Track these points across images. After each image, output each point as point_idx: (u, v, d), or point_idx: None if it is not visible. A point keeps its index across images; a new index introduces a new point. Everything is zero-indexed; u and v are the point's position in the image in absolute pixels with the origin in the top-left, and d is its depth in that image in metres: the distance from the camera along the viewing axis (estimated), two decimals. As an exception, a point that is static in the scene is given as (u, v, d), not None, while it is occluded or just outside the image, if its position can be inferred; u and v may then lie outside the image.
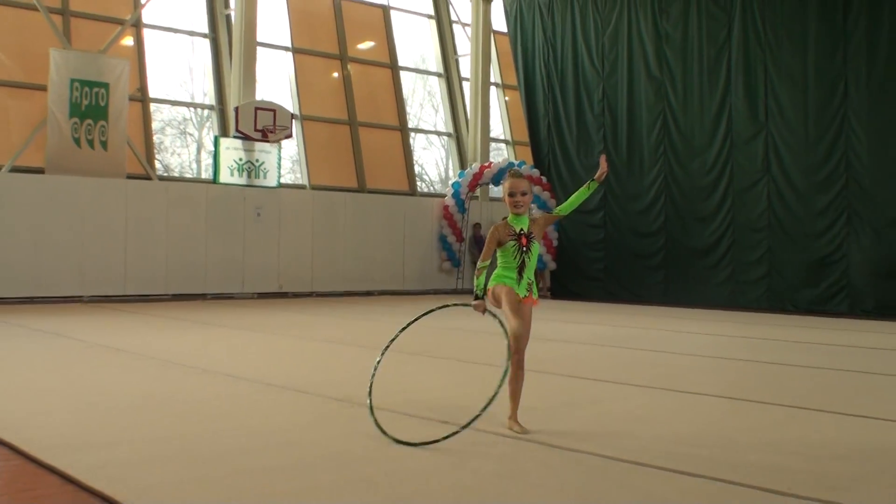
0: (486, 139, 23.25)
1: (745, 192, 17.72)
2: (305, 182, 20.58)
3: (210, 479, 4.24)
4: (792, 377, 8.13)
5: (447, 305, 5.88)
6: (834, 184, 16.49)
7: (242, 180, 18.76)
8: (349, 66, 21.95)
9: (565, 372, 8.02)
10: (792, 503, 3.94)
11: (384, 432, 5.07)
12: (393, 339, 5.44)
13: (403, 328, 5.46)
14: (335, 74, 21.93)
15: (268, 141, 18.84)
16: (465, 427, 5.02)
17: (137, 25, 18.83)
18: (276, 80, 20.76)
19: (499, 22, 23.37)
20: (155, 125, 19.22)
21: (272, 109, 18.86)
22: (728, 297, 17.83)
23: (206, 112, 20.19)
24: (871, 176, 16.06)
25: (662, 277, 19.09)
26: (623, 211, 19.77)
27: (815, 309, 16.40)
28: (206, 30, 19.99)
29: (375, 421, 5.14)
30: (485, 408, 5.02)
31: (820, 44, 16.72)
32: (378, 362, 5.34)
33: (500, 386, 5.08)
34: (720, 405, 6.53)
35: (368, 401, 5.26)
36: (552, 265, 21.07)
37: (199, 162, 20.12)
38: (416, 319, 5.51)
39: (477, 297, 5.51)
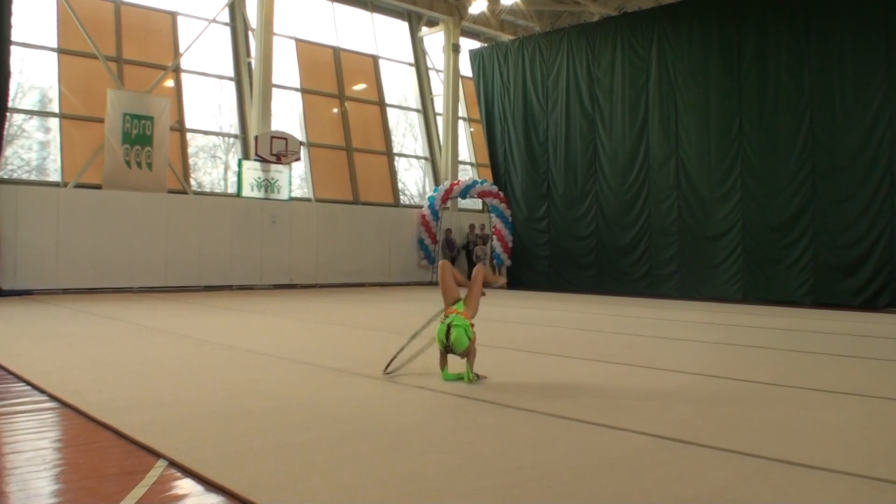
0: (455, 162, 23.26)
1: (659, 203, 17.82)
2: (311, 196, 20.51)
3: (233, 432, 4.22)
4: (698, 350, 8.20)
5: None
6: (731, 198, 16.61)
7: (261, 194, 18.68)
8: (346, 104, 21.89)
9: (520, 347, 8.03)
10: (695, 450, 3.98)
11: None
12: (417, 332, 6.19)
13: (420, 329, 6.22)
14: (335, 110, 21.86)
15: (281, 163, 18.77)
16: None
17: (177, 70, 18.70)
18: (287, 114, 20.66)
19: (465, 69, 23.41)
20: (190, 150, 19.09)
21: (284, 138, 18.79)
22: (646, 288, 17.93)
23: (231, 140, 20.06)
24: (761, 192, 16.19)
25: (595, 272, 19.15)
26: (563, 219, 19.84)
27: (716, 297, 16.52)
28: (231, 74, 19.86)
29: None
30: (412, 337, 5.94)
31: (720, 88, 16.84)
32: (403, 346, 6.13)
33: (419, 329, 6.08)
34: (639, 373, 6.56)
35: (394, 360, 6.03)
36: (508, 262, 21.12)
37: (226, 180, 19.98)
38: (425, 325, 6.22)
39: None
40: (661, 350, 8.19)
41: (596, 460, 3.78)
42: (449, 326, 5.63)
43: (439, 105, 23.65)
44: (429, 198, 21.67)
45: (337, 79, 21.85)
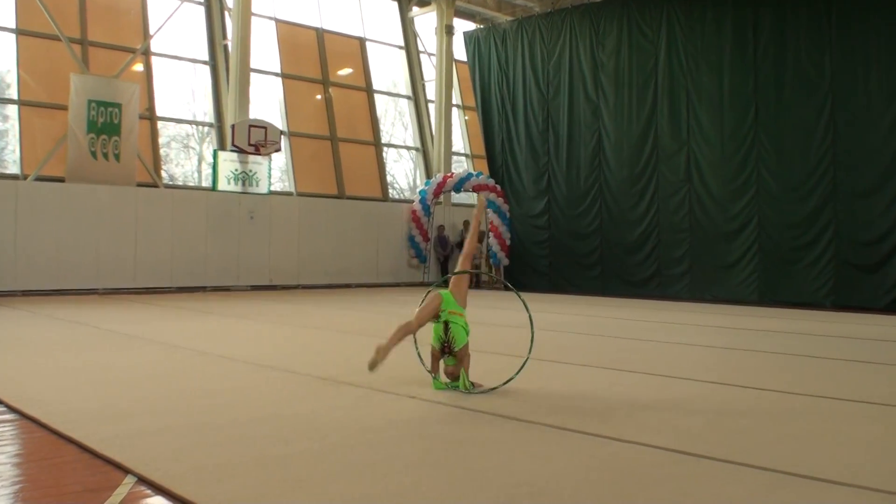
0: (449, 153, 23.27)
1: (668, 198, 17.84)
2: (292, 189, 20.49)
3: (208, 446, 4.22)
4: (711, 356, 8.22)
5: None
6: (746, 192, 16.63)
7: (238, 188, 18.65)
8: (330, 90, 21.87)
9: (518, 354, 8.03)
10: (708, 464, 3.99)
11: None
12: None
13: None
14: (318, 96, 21.84)
15: (260, 154, 18.74)
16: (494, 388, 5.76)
17: (147, 53, 18.66)
18: (267, 101, 20.64)
19: (460, 52, 23.40)
20: (161, 140, 19.05)
21: (264, 127, 18.76)
22: (655, 289, 17.95)
23: (206, 129, 20.02)
24: (778, 185, 16.20)
25: (599, 272, 19.17)
26: (564, 215, 19.84)
27: (729, 298, 16.55)
28: (206, 57, 19.82)
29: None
30: (511, 378, 5.78)
31: (734, 73, 16.86)
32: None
33: (525, 361, 5.93)
34: (648, 381, 6.58)
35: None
36: (505, 261, 21.12)
37: (200, 172, 19.95)
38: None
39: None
40: (671, 356, 8.20)
41: (600, 475, 3.79)
42: (446, 323, 5.69)
43: (431, 91, 23.65)
44: (420, 191, 21.67)
45: (320, 63, 21.83)
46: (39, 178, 16.44)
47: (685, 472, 3.85)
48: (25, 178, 16.42)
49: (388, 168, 23.15)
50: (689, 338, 9.89)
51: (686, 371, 7.05)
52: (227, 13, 19.56)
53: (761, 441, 4.48)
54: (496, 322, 11.34)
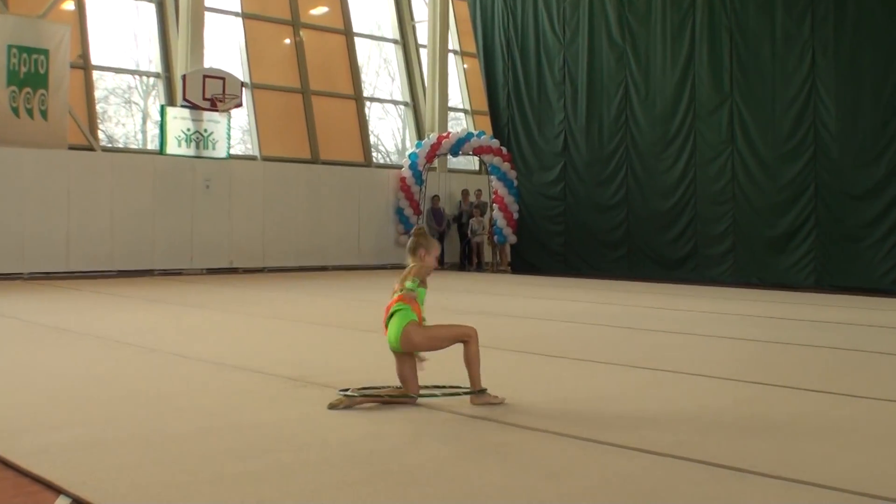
0: (444, 108, 23.21)
1: (708, 163, 17.80)
2: (256, 153, 20.44)
3: (158, 462, 4.21)
4: (759, 353, 8.22)
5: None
6: (801, 156, 16.60)
7: (190, 151, 18.59)
8: (302, 33, 21.78)
9: (525, 349, 8.04)
10: (755, 481, 3.99)
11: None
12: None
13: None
14: (287, 41, 21.75)
15: (217, 110, 18.68)
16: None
17: (78, -11, 18.58)
18: (225, 47, 20.53)
19: (457, -13, 23.34)
20: (98, 94, 18.96)
21: (221, 77, 18.68)
22: (691, 272, 17.95)
23: (151, 80, 19.94)
24: (839, 148, 16.17)
25: (624, 252, 19.16)
26: (583, 183, 19.80)
27: (781, 283, 16.56)
28: (151, -6, 19.76)
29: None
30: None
31: (787, 10, 16.77)
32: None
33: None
34: (684, 382, 6.58)
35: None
36: (513, 238, 21.11)
37: (144, 132, 19.89)
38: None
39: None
40: (711, 352, 8.21)
41: (625, 494, 3.80)
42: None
43: (423, 35, 23.56)
44: (410, 155, 21.63)
45: (289, 0, 21.72)
46: (-49, 140, 16.40)
47: (728, 490, 3.86)
48: (-66, 139, 16.38)
49: (371, 127, 23.10)
50: (733, 330, 9.89)
51: (729, 371, 7.05)
52: (176, -60, 19.44)
53: (819, 454, 4.48)
54: (502, 312, 11.33)
